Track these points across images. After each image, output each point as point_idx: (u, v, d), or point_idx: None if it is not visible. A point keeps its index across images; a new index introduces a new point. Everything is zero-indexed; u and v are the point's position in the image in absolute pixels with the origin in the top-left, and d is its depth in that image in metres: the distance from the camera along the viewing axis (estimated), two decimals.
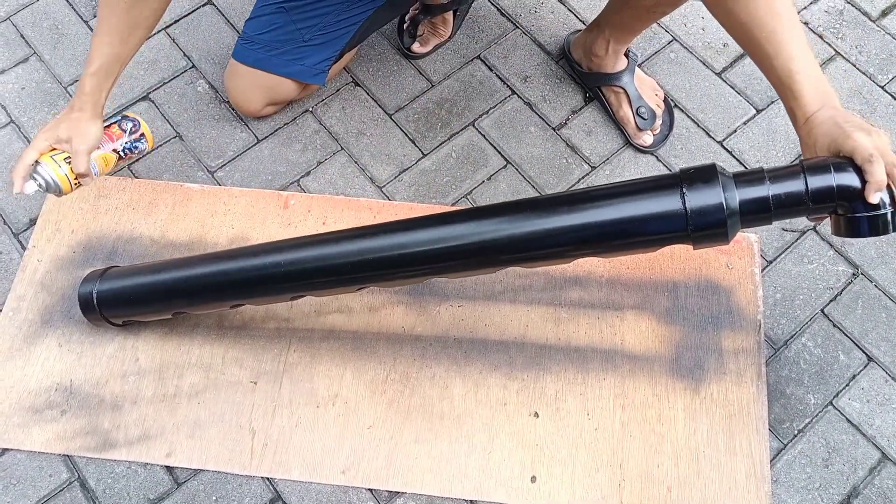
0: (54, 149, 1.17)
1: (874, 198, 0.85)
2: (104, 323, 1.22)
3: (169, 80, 1.53)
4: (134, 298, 1.18)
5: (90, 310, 1.21)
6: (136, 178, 1.43)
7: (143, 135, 1.29)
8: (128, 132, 1.27)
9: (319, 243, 1.05)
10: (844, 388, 1.25)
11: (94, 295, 1.19)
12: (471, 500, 1.17)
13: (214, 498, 1.18)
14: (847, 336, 1.28)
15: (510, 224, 0.96)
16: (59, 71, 1.54)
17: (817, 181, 0.87)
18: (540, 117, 1.48)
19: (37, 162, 1.15)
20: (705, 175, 0.89)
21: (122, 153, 1.26)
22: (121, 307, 1.20)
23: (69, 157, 1.16)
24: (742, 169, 0.94)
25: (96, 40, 1.14)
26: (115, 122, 1.27)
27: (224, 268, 1.10)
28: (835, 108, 0.91)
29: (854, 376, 1.25)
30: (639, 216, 0.91)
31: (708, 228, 0.88)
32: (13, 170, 1.14)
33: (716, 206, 0.87)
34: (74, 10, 1.60)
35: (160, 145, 1.46)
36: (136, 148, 1.28)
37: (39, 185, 1.16)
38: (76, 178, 1.18)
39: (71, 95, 1.51)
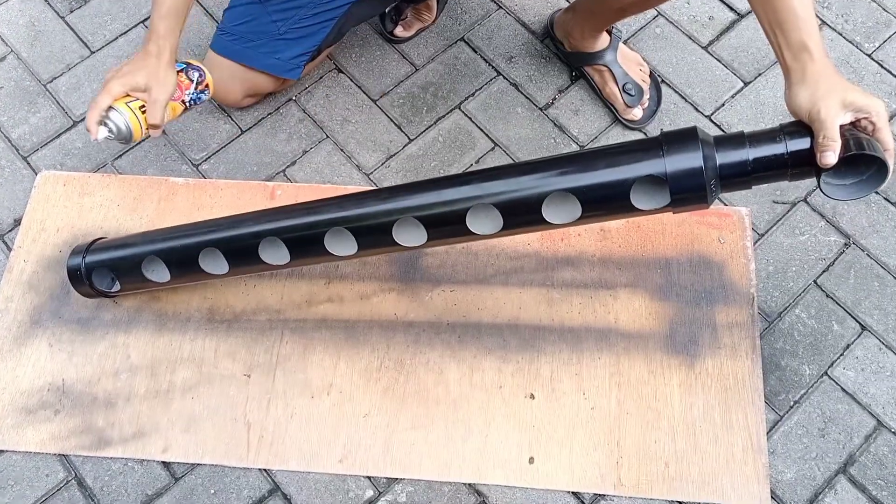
0: (128, 94, 1.12)
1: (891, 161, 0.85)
2: (94, 294, 1.22)
3: None
4: (123, 265, 1.17)
5: (78, 280, 1.20)
6: (120, 173, 1.41)
7: (207, 85, 1.25)
8: (195, 82, 1.23)
9: (306, 211, 1.05)
10: (839, 357, 1.25)
11: (83, 264, 1.19)
12: (469, 484, 1.17)
13: (213, 491, 1.17)
14: (840, 306, 1.28)
15: (491, 187, 0.95)
16: (37, 69, 1.51)
17: (797, 144, 0.87)
18: (526, 98, 1.47)
19: (110, 107, 1.11)
20: (685, 138, 0.88)
21: (188, 104, 1.22)
22: (110, 275, 1.19)
23: (143, 106, 1.12)
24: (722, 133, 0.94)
25: None
26: (182, 70, 1.21)
27: (212, 235, 1.10)
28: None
29: (848, 346, 1.26)
30: (618, 180, 0.90)
31: (687, 192, 0.88)
32: (88, 115, 1.10)
33: (695, 170, 0.86)
34: (51, 6, 1.58)
35: (143, 139, 1.44)
36: (200, 99, 1.24)
37: (111, 131, 1.12)
38: (148, 128, 1.14)
39: (50, 93, 1.49)
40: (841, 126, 0.87)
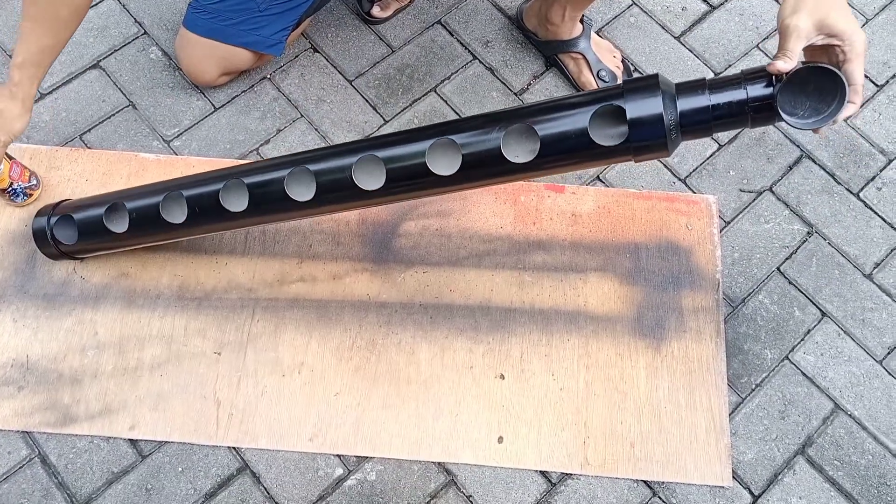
0: None
1: (849, 108, 0.83)
2: (59, 256, 1.22)
3: (120, 48, 1.48)
4: (88, 226, 1.16)
5: (44, 242, 1.20)
6: (89, 148, 1.39)
7: (32, 195, 1.30)
8: (29, 184, 1.28)
9: (269, 161, 1.05)
10: (799, 342, 1.28)
11: (48, 225, 1.18)
12: (439, 462, 1.18)
13: (180, 469, 1.17)
14: (802, 293, 1.32)
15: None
16: (1, 38, 1.47)
17: (757, 90, 0.86)
18: (502, 82, 1.48)
19: None
20: (646, 85, 0.88)
21: (9, 190, 1.26)
22: (75, 237, 1.18)
23: None
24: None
25: (21, 31, 1.07)
26: (31, 172, 1.29)
27: (175, 183, 1.10)
28: None
29: (808, 331, 1.29)
30: (579, 129, 0.90)
31: (648, 139, 0.88)
32: None
33: (655, 117, 0.87)
34: None
35: (113, 114, 1.42)
36: (19, 196, 1.28)
37: None
38: None
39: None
40: (812, 50, 0.84)
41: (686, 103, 0.88)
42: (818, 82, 0.86)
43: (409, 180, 0.99)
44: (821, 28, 0.84)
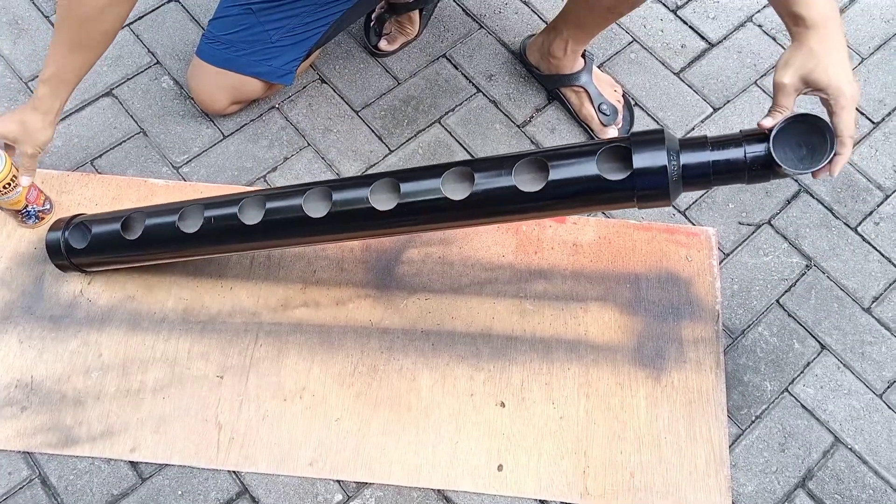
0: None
1: (837, 158, 0.88)
2: (70, 268, 1.26)
3: (133, 76, 1.52)
4: (102, 234, 1.20)
5: (57, 255, 1.23)
6: (100, 173, 1.41)
7: (44, 219, 1.34)
8: (43, 207, 1.32)
9: (290, 195, 1.08)
10: (799, 375, 1.29)
11: (63, 239, 1.22)
12: (438, 490, 1.18)
13: (180, 492, 1.17)
14: (801, 325, 1.33)
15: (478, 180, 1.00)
16: (19, 66, 1.51)
17: (755, 150, 0.92)
18: (505, 115, 1.51)
19: None
20: (652, 138, 0.94)
21: (23, 212, 1.29)
22: (88, 251, 1.21)
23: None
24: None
25: (51, 48, 1.12)
26: (46, 196, 1.33)
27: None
28: (831, 30, 0.89)
29: (808, 364, 1.30)
30: (588, 179, 0.95)
31: (651, 189, 0.94)
32: None
33: (659, 168, 0.92)
34: (35, 4, 1.58)
35: (124, 140, 1.45)
36: (32, 218, 1.32)
37: None
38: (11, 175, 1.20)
39: (31, 91, 1.49)
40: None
41: (689, 157, 0.94)
42: (812, 131, 0.90)
43: (420, 201, 1.02)
44: (807, 83, 0.89)
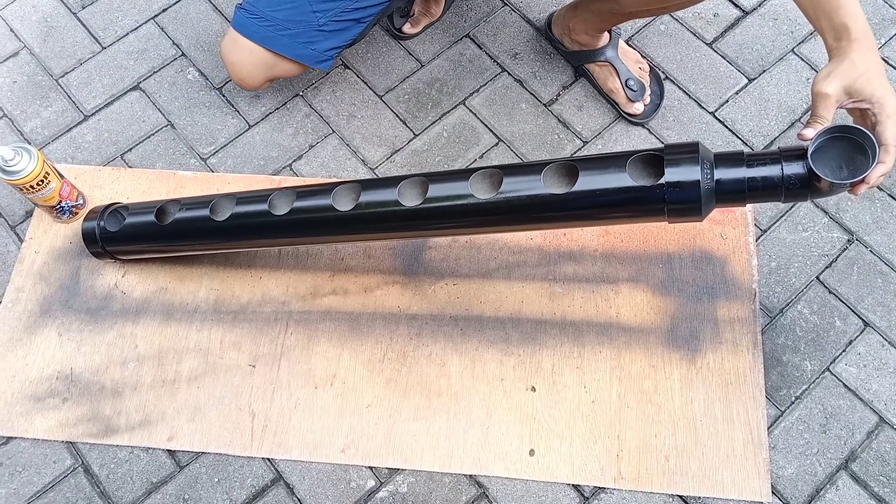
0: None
1: (879, 167, 0.86)
2: (105, 256, 1.29)
3: (159, 69, 1.53)
4: (136, 231, 1.23)
5: (93, 242, 1.27)
6: (130, 167, 1.43)
7: (77, 213, 1.37)
8: (76, 202, 1.35)
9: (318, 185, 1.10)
10: (841, 353, 1.25)
11: (98, 227, 1.26)
12: (470, 475, 1.18)
13: (216, 479, 1.19)
14: (843, 302, 1.28)
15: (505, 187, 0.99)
16: (49, 64, 1.54)
17: (793, 168, 0.89)
18: (530, 94, 1.48)
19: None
20: (686, 151, 0.91)
21: (57, 208, 1.32)
22: (123, 240, 1.25)
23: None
24: (727, 147, 0.96)
25: None
26: (79, 191, 1.36)
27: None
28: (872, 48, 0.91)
29: (850, 342, 1.25)
30: (618, 187, 0.93)
31: (683, 203, 0.91)
32: None
33: (692, 183, 0.90)
34: (63, 3, 1.60)
35: (153, 134, 1.46)
36: (66, 212, 1.34)
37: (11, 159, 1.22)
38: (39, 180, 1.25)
39: (62, 88, 1.51)
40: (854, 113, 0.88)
41: (724, 174, 0.92)
42: (852, 143, 0.89)
43: (447, 201, 1.02)
44: (850, 93, 0.89)
